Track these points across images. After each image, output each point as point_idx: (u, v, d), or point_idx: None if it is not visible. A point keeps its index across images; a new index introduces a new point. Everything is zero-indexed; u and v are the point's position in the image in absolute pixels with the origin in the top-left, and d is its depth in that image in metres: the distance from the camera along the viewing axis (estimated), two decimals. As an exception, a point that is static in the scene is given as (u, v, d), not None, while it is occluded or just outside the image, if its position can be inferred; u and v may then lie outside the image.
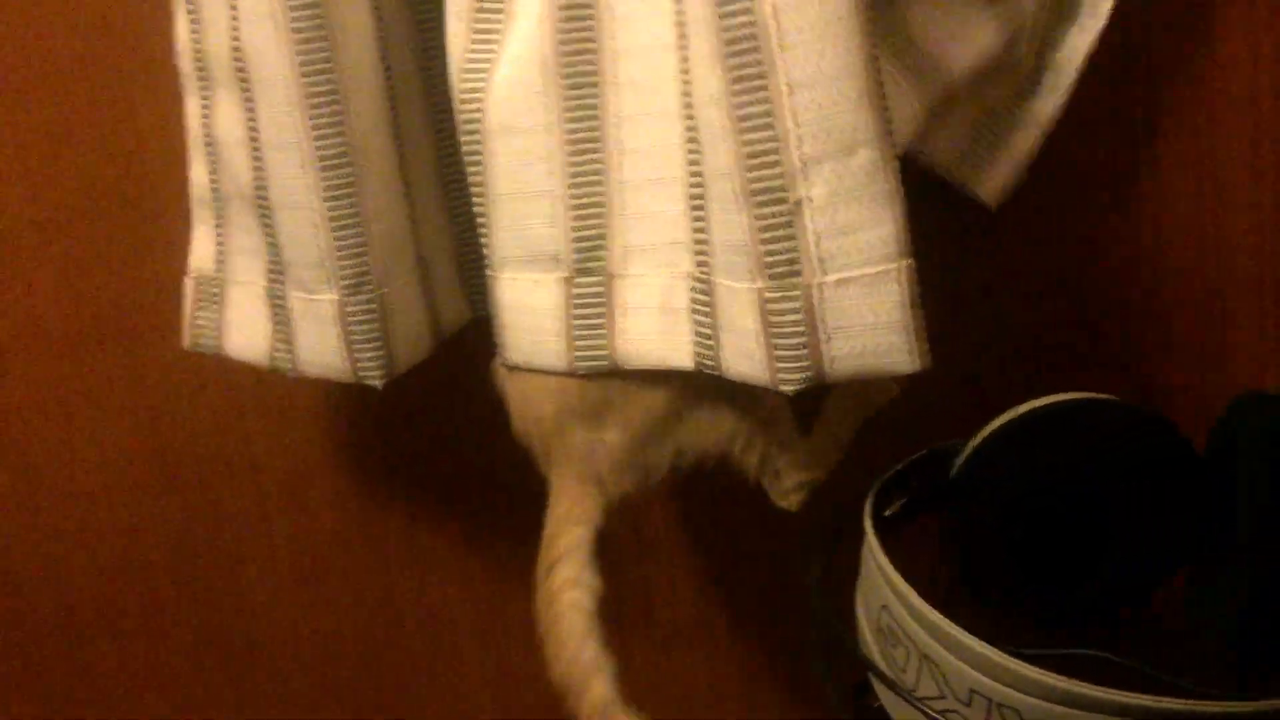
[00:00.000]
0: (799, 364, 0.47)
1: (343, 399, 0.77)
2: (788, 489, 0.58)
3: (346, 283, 0.58)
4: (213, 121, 0.62)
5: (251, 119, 0.58)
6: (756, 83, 0.46)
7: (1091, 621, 0.53)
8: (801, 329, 0.47)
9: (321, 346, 0.60)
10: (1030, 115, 0.62)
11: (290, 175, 0.57)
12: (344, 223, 0.57)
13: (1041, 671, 0.43)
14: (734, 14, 0.46)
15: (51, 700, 0.83)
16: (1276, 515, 0.49)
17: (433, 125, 0.64)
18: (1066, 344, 0.69)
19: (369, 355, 0.59)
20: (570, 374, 0.55)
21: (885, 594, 0.48)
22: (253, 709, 0.82)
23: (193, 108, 0.63)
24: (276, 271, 0.62)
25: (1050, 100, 0.61)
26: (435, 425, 0.77)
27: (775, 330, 0.48)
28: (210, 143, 0.63)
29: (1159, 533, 0.52)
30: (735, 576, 0.77)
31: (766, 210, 0.47)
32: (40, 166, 0.74)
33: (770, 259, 0.47)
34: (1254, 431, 0.50)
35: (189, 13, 0.60)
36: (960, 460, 0.55)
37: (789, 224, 0.47)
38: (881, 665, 0.49)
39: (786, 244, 0.47)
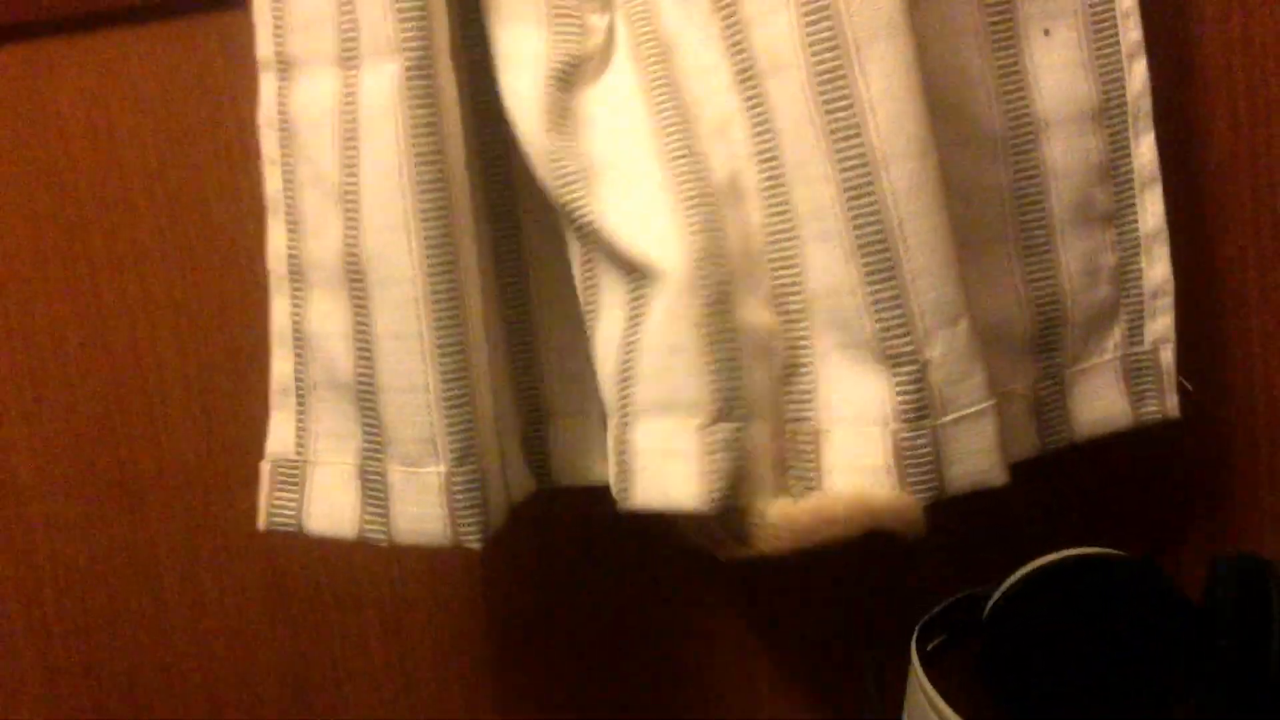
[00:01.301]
0: (928, 485, 0.62)
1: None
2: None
3: (454, 455, 0.66)
4: (304, 317, 0.70)
5: (362, 314, 0.67)
6: (889, 273, 0.61)
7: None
8: (930, 458, 0.61)
9: (423, 515, 0.67)
10: None
11: (409, 363, 0.65)
12: (455, 403, 0.65)
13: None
14: (866, 223, 0.60)
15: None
16: (1248, 669, 0.58)
17: (500, 301, 0.74)
18: (1087, 498, 0.78)
19: (470, 521, 0.66)
20: None
21: (928, 714, 0.57)
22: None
23: (281, 305, 0.71)
24: (374, 449, 0.69)
25: None
26: (520, 572, 0.86)
27: (909, 461, 0.61)
28: (299, 336, 0.71)
29: (1157, 677, 0.61)
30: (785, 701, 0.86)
31: (901, 370, 0.61)
32: (194, 333, 0.86)
33: (904, 407, 0.61)
34: (1228, 593, 0.60)
35: (288, 223, 0.70)
36: (990, 604, 0.64)
37: (918, 378, 0.61)
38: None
39: (917, 394, 0.61)
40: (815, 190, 0.62)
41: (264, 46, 0.69)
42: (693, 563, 0.81)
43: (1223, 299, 0.75)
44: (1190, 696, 0.61)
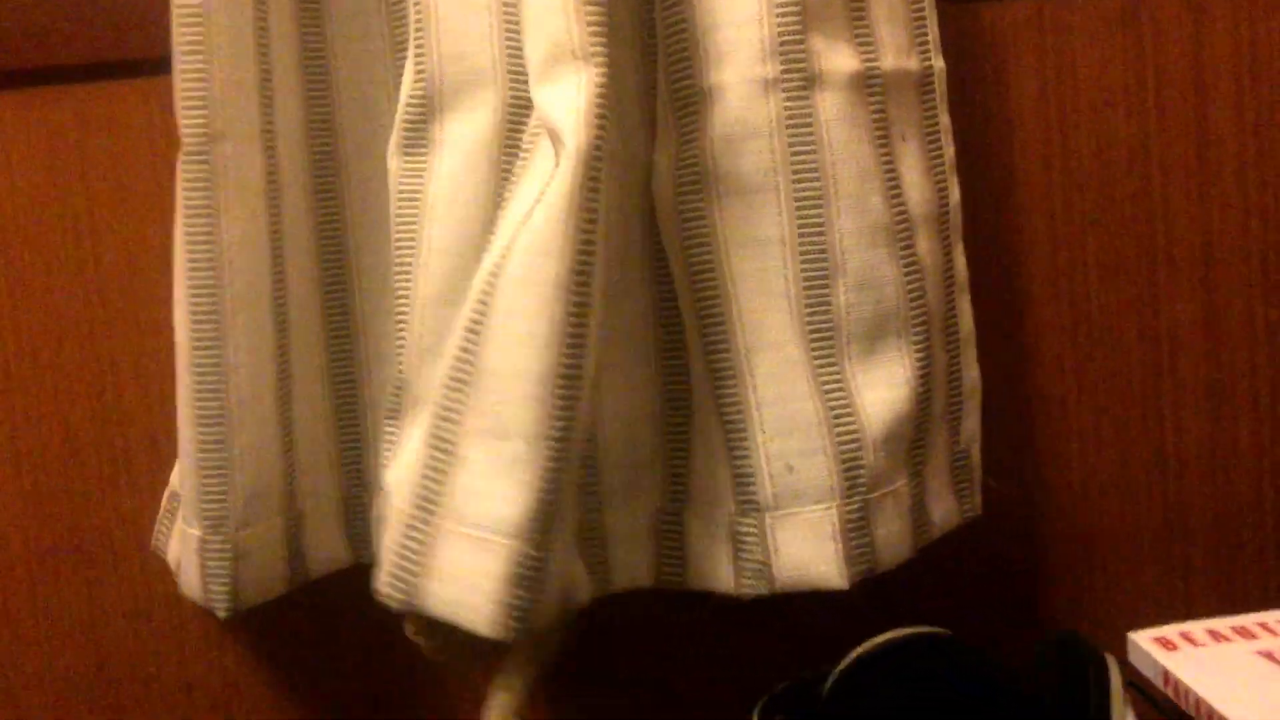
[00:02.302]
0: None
1: (271, 624, 0.85)
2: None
3: (208, 522, 0.69)
4: None
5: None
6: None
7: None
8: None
9: (190, 572, 0.71)
10: None
11: (182, 428, 0.70)
12: (210, 471, 0.68)
13: None
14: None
15: None
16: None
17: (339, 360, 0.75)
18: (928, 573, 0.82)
19: (218, 587, 0.70)
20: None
21: (769, 790, 0.59)
22: None
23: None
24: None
25: None
26: (356, 649, 0.85)
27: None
28: None
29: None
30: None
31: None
32: (25, 408, 0.83)
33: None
34: (1050, 671, 0.63)
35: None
36: (829, 682, 0.66)
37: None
38: None
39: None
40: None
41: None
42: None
43: (1041, 397, 0.80)
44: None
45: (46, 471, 0.83)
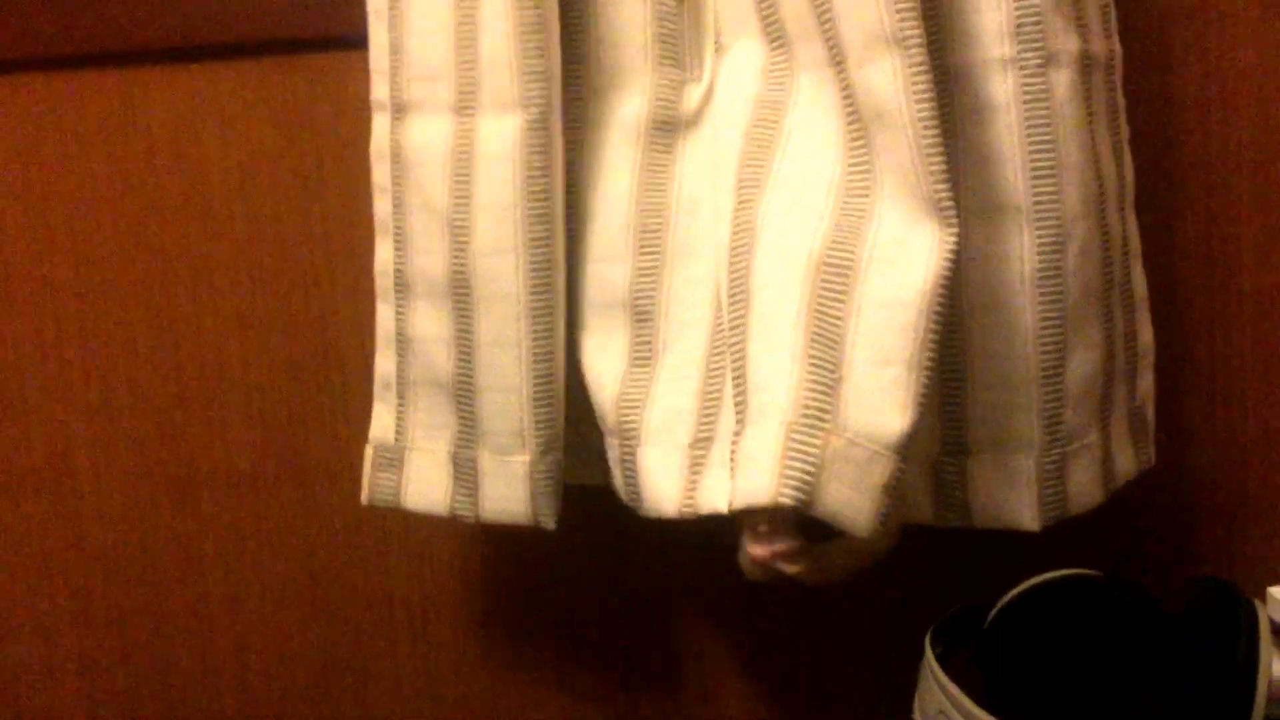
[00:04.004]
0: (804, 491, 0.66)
1: (471, 547, 0.95)
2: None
3: (539, 447, 0.76)
4: (407, 323, 0.80)
5: (464, 322, 0.76)
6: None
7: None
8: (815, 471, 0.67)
9: (509, 496, 0.77)
10: None
11: (507, 367, 0.75)
12: (543, 402, 0.75)
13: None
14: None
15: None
16: (1220, 676, 0.67)
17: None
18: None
19: (547, 505, 0.77)
20: None
21: (941, 700, 0.66)
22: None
23: (385, 312, 0.81)
24: (468, 439, 0.79)
25: None
26: (551, 574, 0.94)
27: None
28: (402, 339, 0.81)
29: (1137, 684, 0.70)
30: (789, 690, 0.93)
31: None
32: (260, 343, 0.93)
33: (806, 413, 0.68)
34: (1205, 606, 0.69)
35: (395, 241, 0.79)
36: (992, 615, 0.73)
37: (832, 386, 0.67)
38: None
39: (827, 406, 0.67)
40: None
41: (379, 90, 0.78)
42: (706, 568, 0.89)
43: (1192, 360, 0.85)
44: (1167, 701, 0.70)
45: (272, 401, 0.93)
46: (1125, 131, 0.76)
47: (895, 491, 0.65)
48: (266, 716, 0.96)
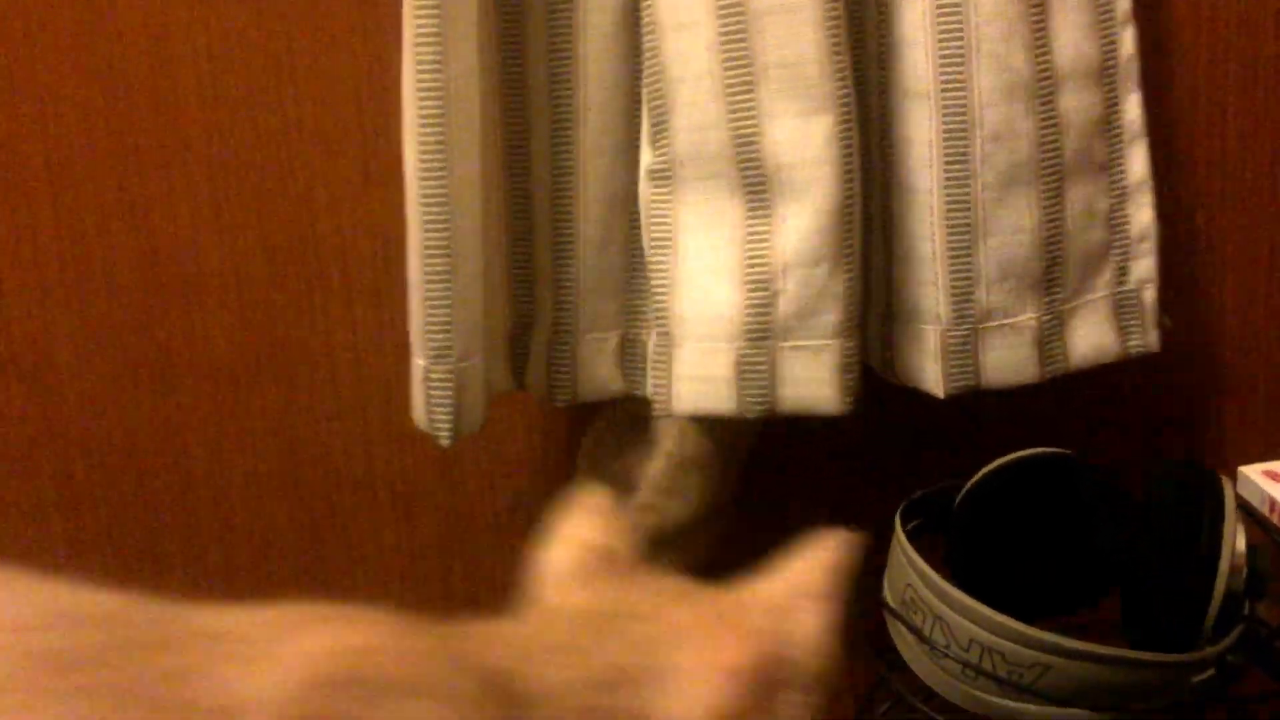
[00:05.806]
0: (761, 400, 0.71)
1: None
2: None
3: (432, 352, 0.72)
4: None
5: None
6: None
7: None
8: (765, 377, 0.71)
9: (414, 403, 0.75)
10: None
11: (411, 258, 0.72)
12: (436, 303, 0.71)
13: (1019, 622, 0.62)
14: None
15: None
16: (1182, 554, 0.68)
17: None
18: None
19: (441, 416, 0.73)
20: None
21: (909, 575, 0.67)
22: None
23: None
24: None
25: None
26: (522, 464, 0.94)
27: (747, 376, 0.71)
28: None
29: (1098, 559, 0.71)
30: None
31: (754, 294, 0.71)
32: (236, 230, 0.92)
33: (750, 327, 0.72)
34: (1160, 491, 0.70)
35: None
36: (961, 494, 0.74)
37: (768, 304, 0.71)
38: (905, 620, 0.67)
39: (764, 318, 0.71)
40: None
41: None
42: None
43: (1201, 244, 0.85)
44: (1131, 575, 0.71)
45: (250, 288, 0.93)
46: (1122, 6, 0.74)
47: (853, 364, 0.70)
48: (253, 600, 0.97)
